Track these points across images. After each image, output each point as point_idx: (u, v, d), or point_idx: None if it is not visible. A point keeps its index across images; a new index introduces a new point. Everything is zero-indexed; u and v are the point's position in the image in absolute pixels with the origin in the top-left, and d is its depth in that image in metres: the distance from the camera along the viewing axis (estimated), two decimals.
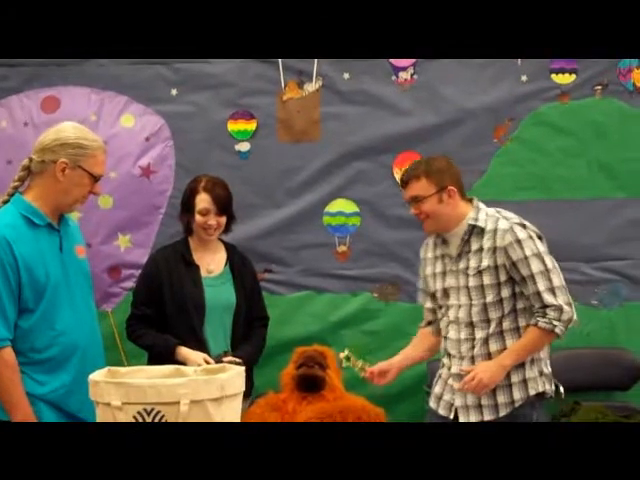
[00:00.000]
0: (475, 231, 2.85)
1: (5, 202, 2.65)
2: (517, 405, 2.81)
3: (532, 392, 2.83)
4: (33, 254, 2.55)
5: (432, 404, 2.98)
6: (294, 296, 4.09)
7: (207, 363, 2.90)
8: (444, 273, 2.94)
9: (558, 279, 2.78)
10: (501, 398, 2.81)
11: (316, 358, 3.22)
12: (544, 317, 2.74)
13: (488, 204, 2.99)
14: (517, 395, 2.81)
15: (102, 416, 2.03)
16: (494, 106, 4.04)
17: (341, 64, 4.02)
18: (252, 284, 3.44)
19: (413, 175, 2.88)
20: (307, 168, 4.07)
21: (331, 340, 3.84)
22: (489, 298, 2.81)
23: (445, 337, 2.94)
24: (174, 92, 4.09)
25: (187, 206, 3.27)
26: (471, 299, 2.83)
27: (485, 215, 2.87)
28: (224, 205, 3.27)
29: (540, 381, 2.85)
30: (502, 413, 2.81)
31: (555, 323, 2.74)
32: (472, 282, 2.83)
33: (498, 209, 2.92)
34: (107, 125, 3.97)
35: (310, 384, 3.11)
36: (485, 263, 2.80)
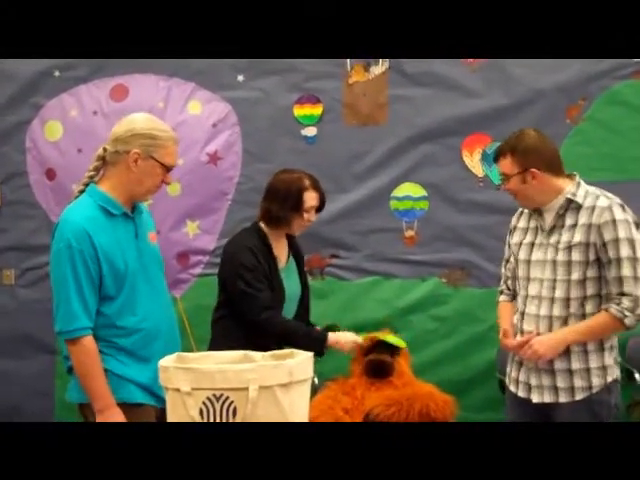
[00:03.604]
0: (572, 206, 2.76)
1: (81, 192, 2.68)
2: (595, 391, 2.75)
3: (609, 379, 2.76)
4: (112, 243, 2.59)
5: (512, 387, 2.93)
6: (362, 281, 4.08)
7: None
8: (532, 245, 2.85)
9: None
10: (578, 382, 2.75)
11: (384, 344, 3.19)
12: (618, 305, 2.66)
13: None
14: (595, 381, 2.74)
15: (172, 402, 2.03)
16: (566, 86, 3.94)
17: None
18: (304, 271, 3.45)
19: (501, 151, 2.82)
20: (374, 152, 4.05)
21: (399, 326, 3.81)
22: (574, 276, 2.72)
23: (522, 313, 2.86)
24: (240, 78, 4.10)
25: (295, 203, 3.18)
26: (556, 274, 2.76)
27: (585, 192, 2.77)
28: (325, 203, 3.29)
29: (615, 368, 2.79)
30: (578, 397, 2.75)
31: (627, 313, 2.65)
32: (560, 257, 2.74)
33: (600, 189, 2.82)
34: (175, 112, 4.00)
35: (378, 370, 3.08)
36: (577, 239, 2.72)
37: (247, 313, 3.09)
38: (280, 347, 3.01)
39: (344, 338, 3.16)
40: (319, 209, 3.30)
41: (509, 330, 2.86)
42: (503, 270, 3.07)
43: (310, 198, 3.21)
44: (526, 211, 2.94)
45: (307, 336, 3.16)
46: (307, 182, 3.22)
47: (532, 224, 2.89)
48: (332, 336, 3.15)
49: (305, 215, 3.22)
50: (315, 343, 3.11)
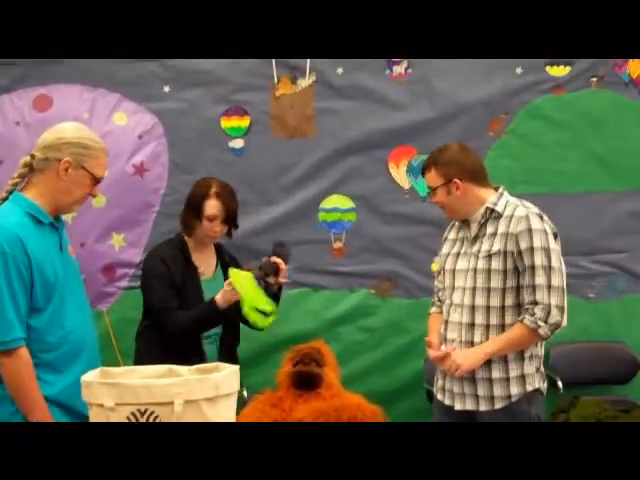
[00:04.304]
0: (493, 215, 2.82)
1: (4, 199, 2.62)
2: (514, 400, 2.79)
3: (529, 388, 2.80)
4: (42, 252, 2.54)
5: (439, 396, 2.96)
6: (290, 293, 4.05)
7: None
8: (458, 255, 2.91)
9: (558, 280, 2.72)
10: (498, 391, 2.79)
11: (312, 355, 3.18)
12: (532, 316, 2.70)
13: None
14: (514, 390, 2.79)
15: (95, 417, 1.99)
16: (489, 99, 4.03)
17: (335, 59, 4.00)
18: None
19: (425, 165, 2.92)
20: (302, 164, 4.06)
21: (328, 337, 3.81)
22: (493, 284, 2.77)
23: (446, 321, 2.91)
24: (166, 89, 4.06)
25: (195, 210, 3.19)
26: (476, 282, 2.80)
27: (506, 201, 2.84)
28: (232, 214, 3.24)
29: (537, 377, 2.83)
30: (498, 406, 2.79)
31: (540, 324, 2.69)
32: (480, 265, 2.79)
33: (522, 200, 2.88)
34: (100, 123, 3.94)
35: (306, 381, 3.07)
36: (496, 247, 2.77)
37: (161, 323, 3.11)
38: (201, 357, 3.01)
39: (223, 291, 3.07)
40: (228, 221, 3.24)
41: (434, 341, 2.89)
42: (436, 282, 3.11)
43: (210, 206, 3.17)
44: (457, 223, 2.99)
45: (200, 314, 3.09)
46: (212, 190, 3.19)
47: (461, 235, 2.95)
48: (218, 297, 3.06)
49: (206, 223, 3.19)
50: (208, 313, 3.07)
